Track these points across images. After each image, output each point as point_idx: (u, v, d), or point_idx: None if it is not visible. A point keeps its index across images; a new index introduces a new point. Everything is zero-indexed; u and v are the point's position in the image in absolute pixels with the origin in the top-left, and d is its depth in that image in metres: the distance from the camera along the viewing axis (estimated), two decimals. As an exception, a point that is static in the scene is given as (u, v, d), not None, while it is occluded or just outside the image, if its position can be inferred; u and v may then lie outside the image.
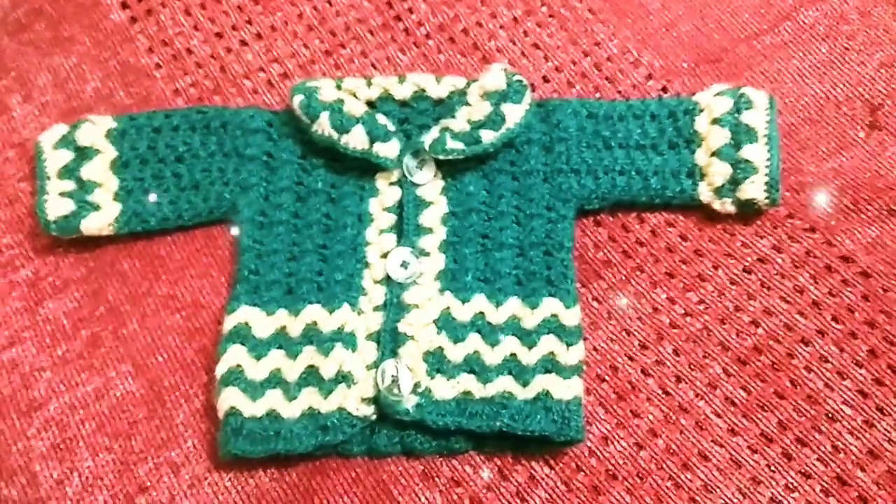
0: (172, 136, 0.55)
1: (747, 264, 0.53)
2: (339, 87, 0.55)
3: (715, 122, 0.54)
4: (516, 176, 0.54)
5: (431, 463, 0.48)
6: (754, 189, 0.52)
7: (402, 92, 0.56)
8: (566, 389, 0.47)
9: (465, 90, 0.55)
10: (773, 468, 0.47)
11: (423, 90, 0.56)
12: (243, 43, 0.62)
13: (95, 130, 0.55)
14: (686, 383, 0.50)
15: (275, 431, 0.46)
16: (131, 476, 0.48)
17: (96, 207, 0.53)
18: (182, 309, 0.52)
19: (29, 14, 0.63)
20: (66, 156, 0.54)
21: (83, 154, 0.54)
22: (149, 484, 0.48)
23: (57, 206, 0.53)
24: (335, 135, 0.52)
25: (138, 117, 0.56)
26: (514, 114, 0.53)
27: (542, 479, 0.47)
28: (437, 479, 0.47)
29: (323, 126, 0.53)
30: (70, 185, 0.53)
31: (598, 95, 0.59)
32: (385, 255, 0.51)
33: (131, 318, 0.52)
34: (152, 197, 0.53)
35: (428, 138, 0.52)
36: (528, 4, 0.63)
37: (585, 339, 0.50)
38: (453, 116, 0.54)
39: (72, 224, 0.52)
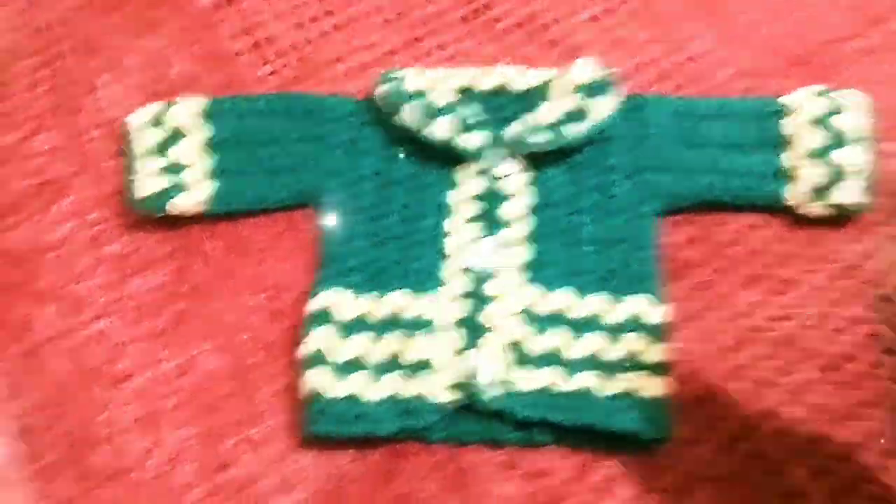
0: (260, 121, 0.56)
1: (835, 271, 0.52)
2: (423, 78, 0.56)
3: (806, 123, 0.53)
4: (601, 171, 0.53)
5: (512, 453, 0.48)
6: (845, 193, 0.51)
7: (488, 83, 0.56)
8: (652, 387, 0.47)
9: (552, 83, 0.55)
10: (865, 476, 0.46)
11: (509, 82, 0.55)
12: (323, 33, 0.63)
13: (186, 111, 0.55)
14: (770, 389, 0.49)
15: (357, 413, 0.47)
16: (213, 451, 0.48)
17: (185, 187, 0.54)
18: (265, 290, 0.53)
19: (118, -5, 0.65)
20: (157, 135, 0.55)
21: (173, 134, 0.55)
22: (231, 460, 0.48)
23: (146, 185, 0.53)
24: (419, 125, 0.53)
25: (228, 100, 0.56)
26: (602, 108, 0.53)
27: (624, 476, 0.47)
28: (517, 469, 0.47)
29: (407, 115, 0.53)
30: (159, 165, 0.54)
31: (683, 93, 0.58)
32: (466, 246, 0.51)
33: (215, 297, 0.53)
34: None
35: (512, 130, 0.52)
36: (609, 1, 0.62)
37: (669, 336, 0.49)
38: (539, 109, 0.53)
39: (160, 203, 0.53)
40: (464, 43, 0.62)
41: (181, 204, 0.53)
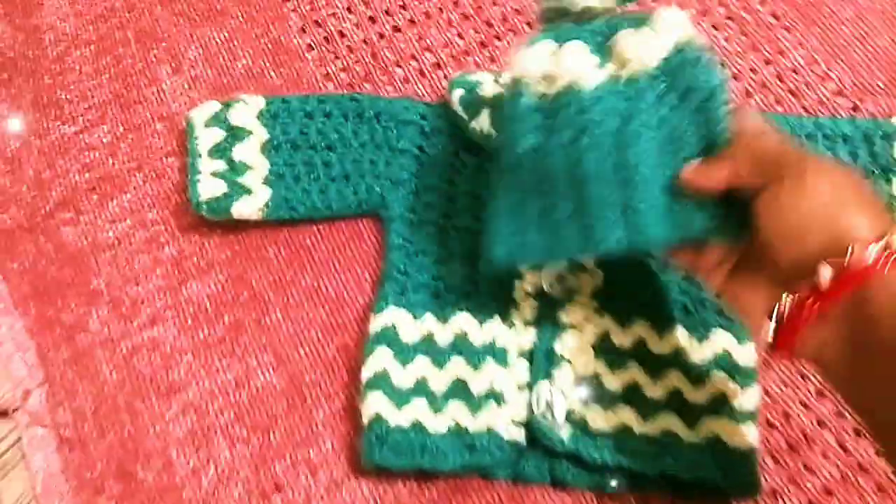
0: (325, 123, 0.53)
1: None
2: (498, 82, 0.52)
3: (919, 150, 0.48)
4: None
5: (581, 497, 0.45)
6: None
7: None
8: (740, 436, 0.43)
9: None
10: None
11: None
12: (396, 29, 0.60)
13: (248, 110, 0.53)
14: (866, 439, 0.45)
15: (420, 445, 0.44)
16: (268, 472, 0.46)
17: (247, 191, 0.51)
18: (326, 303, 0.51)
19: (183, -16, 0.62)
20: (218, 135, 0.52)
21: (235, 134, 0.52)
22: (285, 482, 0.46)
23: (209, 187, 0.51)
24: (494, 133, 0.49)
25: (291, 100, 0.54)
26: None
27: (703, 529, 0.43)
28: (586, 514, 0.44)
29: (482, 123, 0.50)
30: (222, 166, 0.52)
31: (779, 109, 0.54)
32: (539, 267, 0.48)
33: (274, 307, 0.51)
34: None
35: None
36: (704, 4, 0.58)
37: (758, 379, 0.45)
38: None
39: (223, 206, 0.51)
40: (540, 43, 0.58)
41: (243, 209, 0.51)
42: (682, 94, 0.38)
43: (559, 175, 0.39)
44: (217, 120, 0.53)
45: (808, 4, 0.57)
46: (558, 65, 0.38)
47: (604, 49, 0.39)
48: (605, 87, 0.38)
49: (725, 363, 0.45)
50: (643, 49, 0.38)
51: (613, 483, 0.44)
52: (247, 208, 0.51)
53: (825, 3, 0.57)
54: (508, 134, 0.40)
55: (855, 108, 0.53)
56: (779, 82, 0.55)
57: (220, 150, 0.52)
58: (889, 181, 0.49)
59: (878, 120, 0.51)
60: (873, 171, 0.49)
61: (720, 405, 0.44)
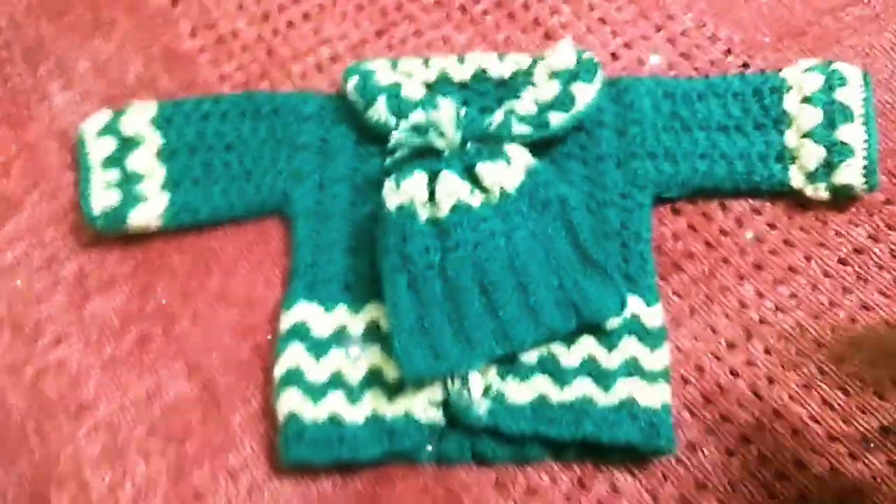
0: (221, 123, 0.52)
1: (842, 255, 0.49)
2: (395, 69, 0.52)
3: (805, 100, 0.49)
4: (587, 161, 0.50)
5: (505, 471, 0.44)
6: (850, 173, 0.48)
7: (463, 72, 0.52)
8: (653, 395, 0.43)
9: (531, 69, 0.51)
10: (877, 478, 0.43)
11: (485, 70, 0.52)
12: (290, 24, 0.59)
13: (140, 117, 0.52)
14: (779, 385, 0.46)
15: (338, 437, 0.43)
16: (187, 482, 0.45)
17: (143, 199, 0.50)
18: (235, 305, 0.50)
19: (69, -4, 0.61)
20: (111, 144, 0.51)
21: (128, 143, 0.51)
22: (205, 490, 0.45)
23: (102, 199, 0.50)
24: (393, 120, 0.49)
25: (184, 103, 0.53)
26: (585, 94, 0.49)
27: (626, 489, 0.44)
28: (511, 488, 0.44)
29: (379, 111, 0.50)
30: (115, 176, 0.50)
31: (673, 73, 0.55)
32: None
33: (182, 315, 0.49)
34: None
35: (492, 122, 0.49)
36: (592, -22, 0.59)
37: (667, 338, 0.46)
38: (518, 98, 0.50)
39: (118, 218, 0.50)
40: (441, 29, 0.58)
41: (139, 218, 0.50)
42: (542, 206, 0.45)
43: (463, 285, 0.43)
44: (109, 130, 0.52)
45: (693, -31, 0.58)
46: (439, 191, 0.44)
47: (468, 177, 0.45)
48: (484, 208, 0.44)
49: (635, 326, 0.45)
50: (502, 176, 0.45)
51: (533, 453, 0.44)
52: (144, 217, 0.50)
53: (709, -34, 0.58)
54: (404, 253, 0.44)
55: (745, 66, 0.55)
56: (670, 47, 0.56)
57: (113, 161, 0.51)
58: (781, 133, 0.50)
59: (767, 74, 0.52)
60: (765, 124, 0.50)
61: (633, 367, 0.44)
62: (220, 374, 0.48)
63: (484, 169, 0.45)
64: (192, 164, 0.51)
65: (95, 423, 0.47)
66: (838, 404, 0.45)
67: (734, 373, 0.46)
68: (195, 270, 0.51)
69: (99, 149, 0.51)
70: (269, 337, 0.48)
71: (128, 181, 0.50)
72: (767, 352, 0.47)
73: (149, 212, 0.50)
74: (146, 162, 0.51)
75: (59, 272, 0.51)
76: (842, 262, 0.49)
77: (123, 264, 0.51)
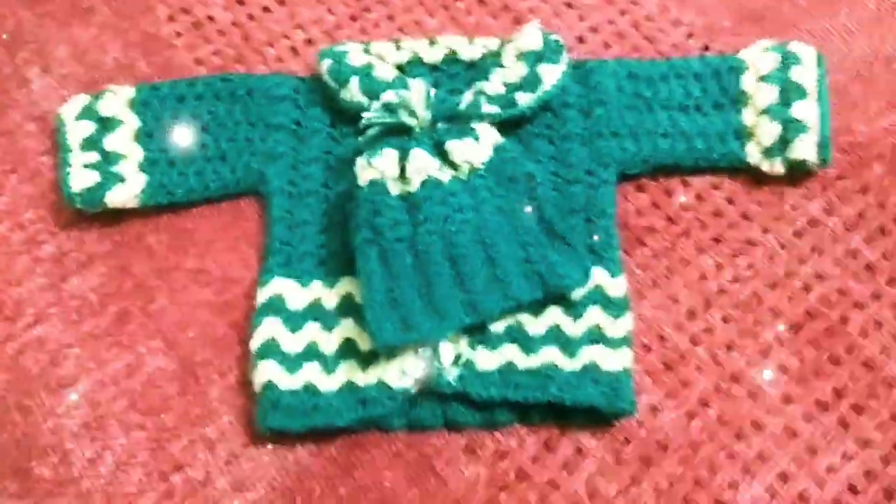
0: (197, 105, 0.53)
1: (798, 227, 0.51)
2: (367, 51, 0.54)
3: (762, 79, 0.51)
4: (553, 140, 0.52)
5: (475, 436, 0.46)
6: (805, 148, 0.50)
7: (434, 55, 0.54)
8: (615, 360, 0.45)
9: (500, 51, 0.53)
10: (829, 437, 0.45)
11: (455, 52, 0.54)
12: (266, 9, 0.60)
13: (117, 100, 0.53)
14: (737, 351, 0.48)
15: (313, 405, 0.45)
16: (165, 453, 0.46)
17: (121, 179, 0.51)
18: (211, 283, 0.51)
19: (46, -16, 0.62)
20: (89, 127, 0.52)
21: (106, 125, 0.52)
22: (184, 461, 0.46)
23: (80, 179, 0.51)
24: (365, 100, 0.51)
25: (161, 86, 0.54)
26: (551, 75, 0.51)
27: (590, 450, 0.45)
28: (480, 452, 0.46)
29: (352, 92, 0.51)
30: (93, 157, 0.52)
31: (636, 56, 0.56)
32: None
33: (160, 293, 0.51)
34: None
35: (463, 102, 0.50)
36: (562, -37, 0.60)
37: (630, 308, 0.48)
38: (487, 79, 0.51)
39: (96, 196, 0.51)
40: (413, 13, 0.59)
41: (116, 198, 0.51)
42: (509, 182, 0.47)
43: (433, 258, 0.45)
44: (87, 113, 0.53)
45: (657, -44, 0.60)
46: (409, 167, 0.46)
47: (438, 154, 0.47)
48: (454, 184, 0.46)
49: (599, 296, 0.47)
50: (470, 153, 0.47)
51: (501, 418, 0.45)
52: (122, 196, 0.51)
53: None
54: (375, 226, 0.46)
55: (706, 49, 0.57)
56: (634, 31, 0.58)
57: (91, 142, 0.52)
58: (739, 111, 0.52)
59: (726, 56, 0.54)
60: (724, 103, 0.52)
61: (596, 335, 0.46)
62: (198, 350, 0.49)
63: (453, 146, 0.47)
64: (167, 145, 0.52)
65: (76, 398, 0.48)
66: (793, 369, 0.47)
67: (694, 340, 0.48)
68: (172, 249, 0.52)
69: (77, 131, 0.52)
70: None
71: (106, 162, 0.51)
72: (726, 320, 0.49)
73: (126, 191, 0.51)
74: (124, 143, 0.52)
75: (38, 253, 0.52)
76: (797, 234, 0.51)
77: (101, 244, 0.52)
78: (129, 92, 0.53)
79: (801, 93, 0.51)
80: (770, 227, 0.51)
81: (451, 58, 0.54)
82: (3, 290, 0.51)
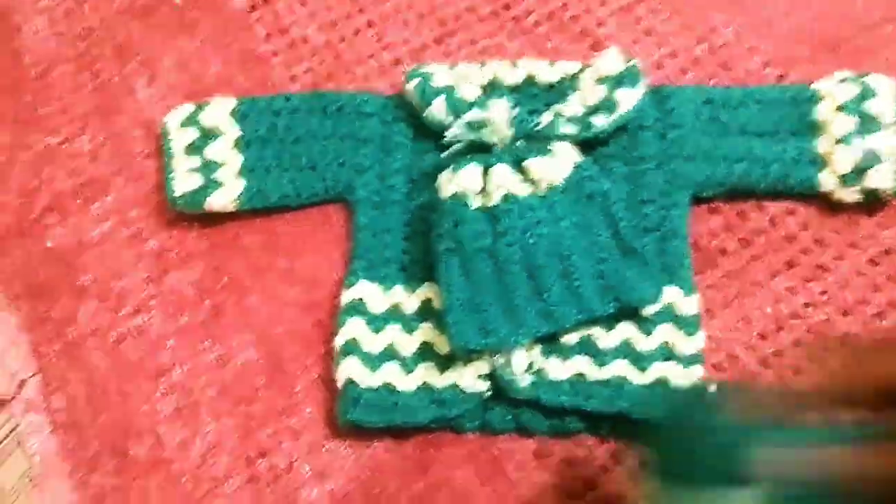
0: (292, 119, 0.57)
1: (871, 255, 0.51)
2: (452, 72, 0.56)
3: (839, 109, 0.52)
4: (629, 161, 0.53)
5: (544, 442, 0.48)
6: (880, 178, 0.51)
7: (515, 76, 0.56)
8: (685, 377, 0.46)
9: (578, 75, 0.55)
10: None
11: (535, 75, 0.56)
12: (356, 32, 0.64)
13: (219, 111, 0.57)
14: (806, 376, 0.48)
15: (391, 403, 0.47)
16: (252, 440, 0.49)
17: (220, 184, 0.55)
18: (299, 283, 0.54)
19: (156, -1, 0.67)
20: (192, 135, 0.56)
21: (208, 133, 0.56)
22: (269, 448, 0.49)
23: (183, 183, 0.55)
24: (449, 118, 0.53)
25: (260, 100, 0.58)
26: (629, 99, 0.53)
27: (657, 464, 0.47)
28: (550, 457, 0.47)
29: (437, 110, 0.54)
30: (195, 163, 0.55)
31: (712, 82, 0.58)
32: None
33: (252, 290, 0.54)
34: None
35: (541, 122, 0.52)
36: (640, -9, 0.62)
37: (701, 326, 0.49)
38: (566, 101, 0.54)
39: (197, 200, 0.55)
40: (494, 38, 0.62)
41: (216, 201, 0.55)
42: (585, 199, 0.49)
43: (511, 268, 0.47)
44: (191, 121, 0.57)
45: (735, -14, 0.61)
46: (490, 183, 0.48)
47: (517, 171, 0.49)
48: (532, 199, 0.48)
49: (671, 314, 0.48)
50: (548, 171, 0.49)
51: (571, 425, 0.47)
52: (221, 200, 0.55)
53: (751, -16, 0.61)
54: (457, 237, 0.48)
55: (781, 77, 0.58)
56: (711, 57, 0.59)
57: (194, 149, 0.56)
58: (815, 139, 0.53)
59: (802, 85, 0.55)
60: (799, 131, 0.53)
61: (667, 352, 0.47)
62: (285, 345, 0.52)
63: (532, 163, 0.49)
64: (265, 154, 0.56)
65: (170, 385, 0.52)
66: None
67: (764, 363, 0.49)
68: (264, 250, 0.55)
69: (181, 138, 0.56)
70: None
71: (207, 168, 0.55)
72: (797, 344, 0.49)
73: (225, 196, 0.55)
74: (224, 151, 0.56)
75: (141, 248, 0.56)
76: (871, 262, 0.51)
77: (200, 243, 0.56)
78: (230, 103, 0.57)
79: (877, 123, 0.51)
80: (844, 253, 0.51)
81: (531, 80, 0.56)
82: (108, 282, 0.56)
